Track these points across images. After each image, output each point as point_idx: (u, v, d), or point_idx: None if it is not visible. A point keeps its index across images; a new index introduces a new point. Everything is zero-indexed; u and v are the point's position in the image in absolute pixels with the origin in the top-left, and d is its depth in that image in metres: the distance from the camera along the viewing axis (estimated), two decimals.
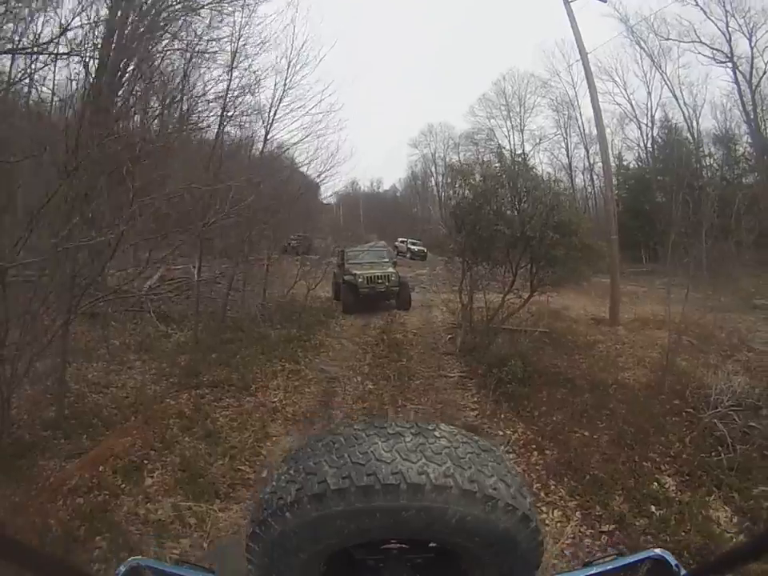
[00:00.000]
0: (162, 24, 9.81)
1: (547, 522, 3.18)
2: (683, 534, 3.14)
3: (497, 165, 9.42)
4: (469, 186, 7.04)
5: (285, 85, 10.88)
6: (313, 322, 9.11)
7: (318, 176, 12.20)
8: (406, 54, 58.64)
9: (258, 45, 10.54)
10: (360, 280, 11.46)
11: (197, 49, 10.56)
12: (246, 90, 10.63)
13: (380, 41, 58.97)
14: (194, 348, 7.04)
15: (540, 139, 26.67)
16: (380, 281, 11.59)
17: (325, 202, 21.47)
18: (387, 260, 13.08)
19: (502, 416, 4.89)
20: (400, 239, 23.93)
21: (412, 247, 22.65)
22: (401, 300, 11.88)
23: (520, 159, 11.02)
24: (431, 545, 1.01)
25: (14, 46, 8.64)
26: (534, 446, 4.21)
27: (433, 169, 33.77)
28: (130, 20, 9.41)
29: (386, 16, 59.52)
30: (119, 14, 9.21)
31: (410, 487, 0.81)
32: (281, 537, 0.87)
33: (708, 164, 22.14)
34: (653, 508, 3.38)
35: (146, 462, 3.94)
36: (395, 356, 7.18)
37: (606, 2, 11.21)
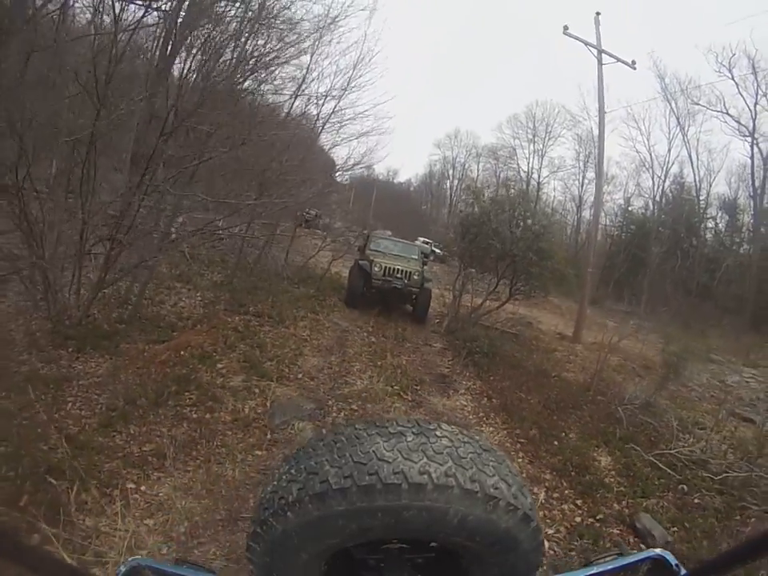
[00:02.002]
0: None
1: (485, 431, 5.14)
2: (573, 458, 5.07)
3: (508, 190, 11.34)
4: (478, 204, 9.13)
5: (348, 83, 12.18)
6: (328, 287, 10.98)
7: (346, 167, 13.67)
8: (446, 54, 60.05)
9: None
10: (376, 268, 10.13)
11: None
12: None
13: (423, 37, 60.34)
14: (230, 287, 8.89)
15: (557, 168, 28.64)
16: (399, 275, 10.16)
17: (339, 180, 21.93)
18: (416, 257, 11.50)
19: (467, 374, 6.96)
20: (422, 239, 23.94)
21: (435, 250, 22.85)
22: (418, 306, 10.38)
23: (521, 193, 12.91)
24: (432, 544, 1.06)
25: None
26: (485, 396, 6.23)
27: (451, 172, 35.55)
28: None
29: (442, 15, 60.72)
30: None
31: (411, 487, 0.85)
32: (282, 536, 0.91)
33: (710, 227, 24.35)
34: (555, 442, 5.35)
35: (215, 354, 5.76)
36: (393, 324, 9.20)
37: (635, 69, 12.94)
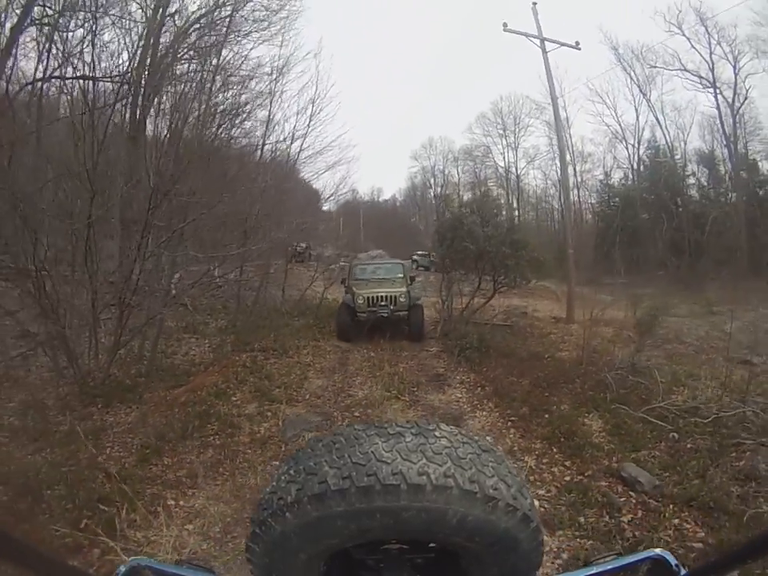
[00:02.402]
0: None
1: (478, 417, 5.70)
2: (562, 426, 5.59)
3: (476, 192, 12.00)
4: (450, 210, 9.80)
5: (309, 120, 13.27)
6: (326, 314, 11.61)
7: (326, 198, 14.48)
8: (410, 66, 61.62)
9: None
10: (359, 300, 9.95)
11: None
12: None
13: (384, 52, 61.99)
14: (234, 330, 9.54)
15: (532, 158, 29.39)
16: (383, 303, 9.87)
17: (324, 209, 22.33)
18: (402, 276, 11.16)
19: (460, 369, 7.55)
20: (419, 252, 23.29)
21: (434, 260, 22.82)
22: (412, 326, 9.95)
23: (487, 193, 13.59)
24: (432, 545, 1.07)
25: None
26: (478, 386, 6.80)
27: (432, 180, 36.40)
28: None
29: (394, 27, 62.51)
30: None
31: (410, 487, 0.86)
32: (281, 537, 0.92)
33: (692, 183, 24.90)
34: (546, 415, 5.88)
35: (228, 389, 6.40)
36: (390, 337, 9.72)
37: (580, 50, 13.69)
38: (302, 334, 9.35)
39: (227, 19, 12.81)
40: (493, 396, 6.38)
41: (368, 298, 9.97)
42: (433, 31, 60.76)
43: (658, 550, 1.04)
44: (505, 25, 12.77)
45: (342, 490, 0.87)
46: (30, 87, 11.45)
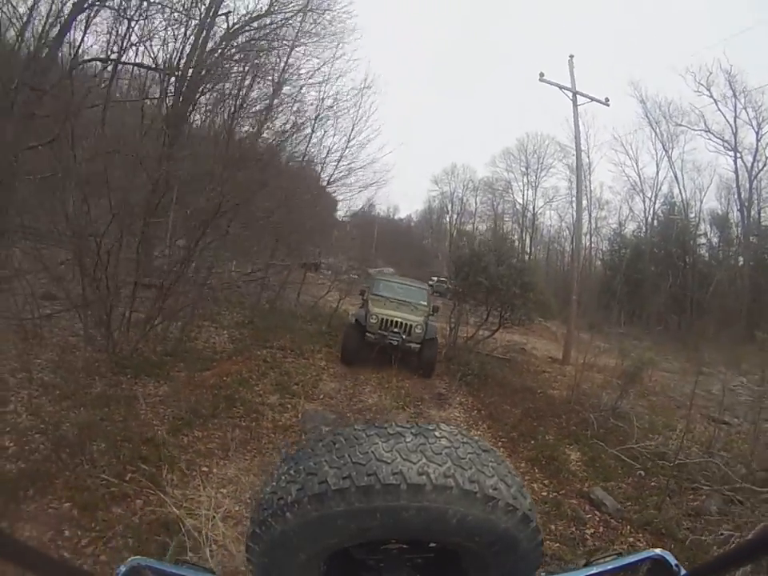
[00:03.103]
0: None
1: (478, 434, 6.51)
2: (545, 452, 6.38)
3: (494, 232, 12.88)
4: (468, 246, 10.71)
5: (347, 143, 14.23)
6: (338, 324, 12.38)
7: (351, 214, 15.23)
8: (437, 89, 63.12)
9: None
10: (372, 319, 9.28)
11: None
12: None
13: (412, 70, 63.55)
14: (252, 325, 10.34)
15: (550, 198, 30.40)
16: (395, 330, 9.20)
17: (339, 218, 22.85)
18: (425, 303, 10.41)
19: (460, 392, 8.39)
20: (436, 278, 22.93)
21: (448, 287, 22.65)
22: (421, 363, 9.27)
23: (505, 236, 14.49)
24: (432, 545, 1.09)
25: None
26: (475, 408, 7.64)
27: (449, 206, 37.41)
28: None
29: (429, 45, 64.17)
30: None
31: (410, 487, 0.88)
32: (281, 537, 0.94)
33: (703, 243, 25.74)
34: (532, 441, 6.69)
35: (251, 380, 7.20)
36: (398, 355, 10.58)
37: (609, 106, 14.71)
38: (316, 339, 10.11)
39: (274, 27, 13.72)
40: (487, 419, 7.21)
41: (382, 319, 9.32)
42: (466, 58, 62.34)
43: (657, 550, 1.06)
44: (541, 75, 13.73)
45: (342, 489, 0.89)
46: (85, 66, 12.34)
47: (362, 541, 0.96)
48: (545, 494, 5.46)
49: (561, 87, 13.73)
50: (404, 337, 9.24)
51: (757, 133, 23.57)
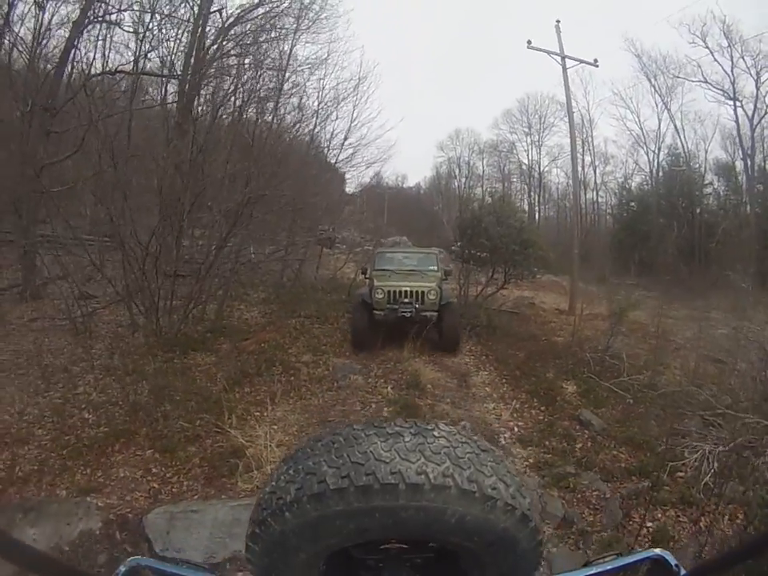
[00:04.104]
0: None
1: (481, 375, 7.57)
2: (544, 385, 7.42)
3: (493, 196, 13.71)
4: (469, 211, 11.58)
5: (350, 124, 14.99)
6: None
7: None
8: (438, 56, 62.56)
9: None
10: (378, 295, 8.72)
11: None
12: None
13: (414, 42, 62.99)
14: (278, 300, 11.45)
15: (555, 156, 30.76)
16: (406, 300, 8.63)
17: (348, 192, 22.94)
18: (434, 268, 9.90)
19: (470, 342, 9.35)
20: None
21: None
22: (443, 333, 8.72)
23: (501, 198, 15.23)
24: (431, 544, 1.09)
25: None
26: (483, 354, 8.68)
27: (457, 171, 37.87)
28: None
29: (419, 17, 63.48)
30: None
31: (408, 487, 0.89)
32: (280, 537, 0.95)
33: (709, 193, 26.11)
34: (533, 378, 7.72)
35: (285, 344, 8.32)
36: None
37: (598, 66, 15.26)
38: (338, 307, 11.10)
39: (270, 16, 14.36)
40: (494, 362, 8.23)
41: (388, 292, 8.71)
42: (457, 22, 61.54)
43: (657, 550, 1.09)
44: (529, 42, 14.22)
45: (341, 489, 0.90)
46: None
47: (361, 540, 0.98)
48: (541, 417, 6.53)
49: (549, 53, 14.26)
50: (417, 306, 8.63)
51: (756, 81, 23.41)
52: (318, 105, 14.21)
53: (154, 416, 5.78)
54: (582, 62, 14.63)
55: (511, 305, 12.55)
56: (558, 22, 14.66)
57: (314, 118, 14.14)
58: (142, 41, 13.22)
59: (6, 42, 11.80)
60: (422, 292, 8.75)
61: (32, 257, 10.38)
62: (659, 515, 4.75)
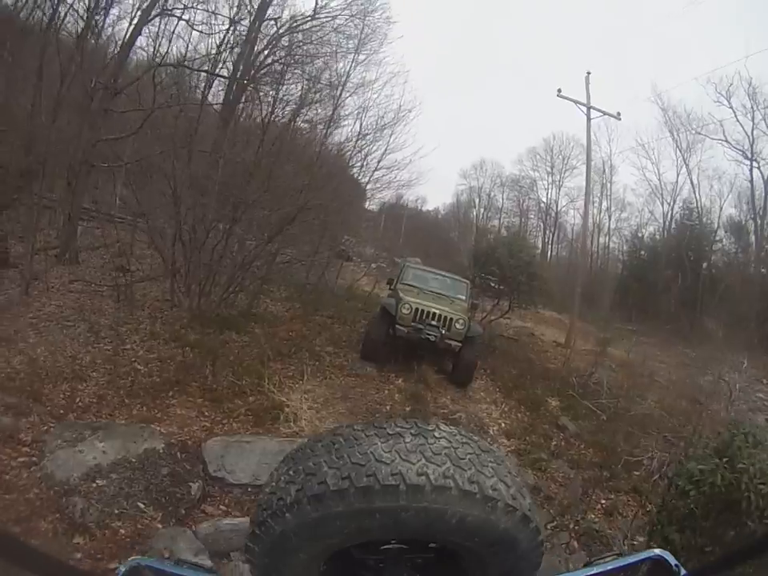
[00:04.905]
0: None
1: (478, 384, 8.95)
2: (531, 397, 8.79)
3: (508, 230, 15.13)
4: (485, 240, 13.08)
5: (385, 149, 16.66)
6: (374, 302, 14.73)
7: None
8: (470, 84, 64.90)
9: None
10: (404, 310, 8.55)
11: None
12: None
13: (451, 65, 65.36)
14: (300, 299, 12.86)
15: (573, 198, 32.31)
16: (434, 321, 8.48)
17: (368, 208, 24.61)
18: (464, 298, 10.01)
19: None
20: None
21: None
22: (459, 366, 8.66)
23: (516, 233, 16.70)
24: (431, 545, 1.13)
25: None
26: (481, 369, 9.94)
27: (477, 201, 39.50)
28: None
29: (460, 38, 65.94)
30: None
31: (409, 488, 0.92)
32: (281, 537, 0.98)
33: (717, 249, 27.41)
34: (523, 391, 9.08)
35: (310, 336, 9.74)
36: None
37: (620, 120, 16.88)
38: (355, 313, 12.52)
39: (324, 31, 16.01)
40: (491, 375, 9.59)
41: (416, 309, 8.59)
42: (499, 54, 63.95)
43: (657, 551, 1.13)
44: (559, 91, 15.79)
45: (342, 490, 0.93)
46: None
47: (361, 541, 1.02)
48: (525, 420, 7.93)
49: (576, 102, 15.82)
50: (443, 332, 8.46)
51: None
52: (360, 126, 15.79)
53: (203, 373, 7.15)
54: (605, 113, 16.18)
55: (513, 332, 13.94)
56: (588, 73, 16.18)
57: (355, 139, 15.72)
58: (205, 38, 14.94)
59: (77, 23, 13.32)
60: (452, 319, 8.61)
61: (74, 224, 11.58)
62: (612, 497, 6.11)
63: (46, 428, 5.34)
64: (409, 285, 9.91)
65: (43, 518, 4.19)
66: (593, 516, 5.70)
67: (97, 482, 4.58)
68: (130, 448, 5.06)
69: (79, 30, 13.21)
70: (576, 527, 5.40)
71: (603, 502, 6.00)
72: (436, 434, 1.03)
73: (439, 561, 1.17)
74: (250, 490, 4.95)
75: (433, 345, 8.59)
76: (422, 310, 8.63)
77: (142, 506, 4.44)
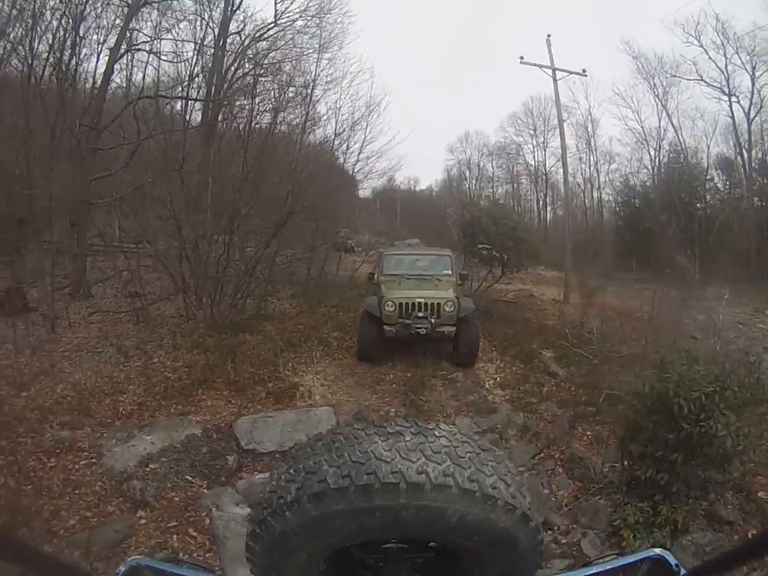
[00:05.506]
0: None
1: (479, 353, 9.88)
2: (525, 351, 9.68)
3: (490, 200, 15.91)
4: (470, 213, 13.90)
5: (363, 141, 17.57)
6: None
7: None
8: (447, 60, 64.94)
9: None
10: (388, 307, 8.37)
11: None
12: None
13: (423, 47, 65.54)
14: (304, 294, 13.81)
15: (560, 158, 32.70)
16: (421, 313, 8.27)
17: (362, 196, 25.07)
18: (449, 273, 9.66)
19: None
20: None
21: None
22: (460, 348, 8.62)
23: (496, 202, 17.45)
24: (431, 544, 1.16)
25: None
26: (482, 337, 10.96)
27: (467, 173, 39.99)
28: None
29: (428, 23, 66.07)
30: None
31: (409, 486, 0.94)
32: (281, 536, 1.00)
33: (709, 188, 27.83)
34: (518, 348, 9.96)
35: (317, 326, 10.67)
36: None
37: (586, 76, 17.48)
38: (358, 300, 13.30)
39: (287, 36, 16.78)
40: (487, 337, 10.44)
41: (400, 304, 8.38)
42: (460, 24, 63.94)
43: (657, 550, 1.16)
44: (521, 58, 16.21)
45: (342, 488, 0.95)
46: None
47: (361, 540, 1.05)
48: (520, 372, 8.82)
49: (540, 67, 16.25)
50: (433, 321, 8.29)
51: (752, 76, 24.94)
52: (336, 123, 16.67)
53: (225, 370, 8.14)
54: (571, 72, 16.80)
55: (512, 296, 14.77)
56: (548, 36, 16.55)
57: (333, 135, 16.62)
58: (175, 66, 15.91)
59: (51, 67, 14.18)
60: (439, 304, 8.38)
61: (83, 261, 12.52)
62: (598, 428, 6.98)
63: (98, 435, 6.39)
64: (390, 275, 9.63)
65: (109, 502, 5.24)
66: (577, 446, 6.61)
67: (150, 466, 5.65)
68: (173, 436, 6.18)
69: (52, 75, 14.26)
70: (561, 456, 6.32)
71: (589, 433, 6.88)
72: (436, 433, 1.05)
73: (439, 560, 1.20)
74: (277, 456, 5.99)
75: (425, 336, 8.43)
76: (407, 303, 8.40)
77: (189, 478, 5.47)
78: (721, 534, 4.64)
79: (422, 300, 8.39)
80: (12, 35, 13.79)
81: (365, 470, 0.96)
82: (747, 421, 4.68)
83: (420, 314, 8.29)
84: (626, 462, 5.37)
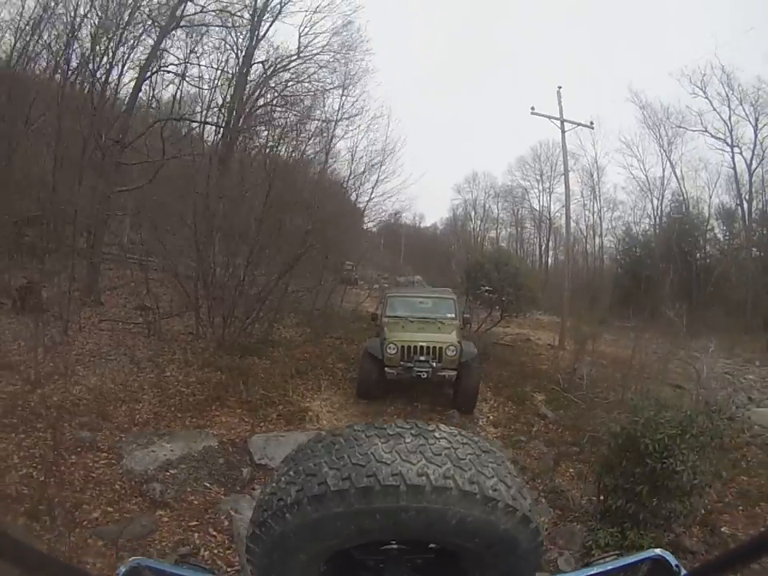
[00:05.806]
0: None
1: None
2: (518, 393, 10.39)
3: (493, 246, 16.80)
4: (474, 257, 14.79)
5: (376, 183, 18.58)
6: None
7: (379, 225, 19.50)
8: (462, 100, 67.13)
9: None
10: (390, 349, 8.57)
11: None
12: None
13: (440, 87, 67.70)
14: (310, 324, 14.53)
15: (564, 204, 33.70)
16: (423, 357, 8.46)
17: (366, 228, 25.33)
18: (452, 316, 9.92)
19: None
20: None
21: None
22: (461, 392, 8.79)
23: (499, 248, 18.33)
24: (431, 545, 1.16)
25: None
26: None
27: (473, 213, 41.04)
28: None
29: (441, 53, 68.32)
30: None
31: (409, 488, 0.94)
32: (281, 538, 1.01)
33: (709, 238, 28.28)
34: (512, 389, 10.65)
35: (323, 355, 11.39)
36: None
37: (593, 129, 18.52)
38: (361, 333, 14.02)
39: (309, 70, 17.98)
40: (484, 378, 11.06)
41: (402, 347, 8.55)
42: (479, 64, 66.37)
43: (658, 550, 1.15)
44: (532, 108, 17.33)
45: (342, 490, 0.95)
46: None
47: (361, 542, 1.05)
48: (512, 412, 9.50)
49: (550, 118, 17.29)
50: (434, 365, 8.48)
51: (755, 127, 25.99)
52: (352, 161, 17.72)
53: (237, 390, 8.80)
54: (579, 124, 17.84)
55: (509, 340, 15.48)
56: (559, 87, 17.51)
57: (349, 174, 17.67)
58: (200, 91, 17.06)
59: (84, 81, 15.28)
60: (440, 348, 8.53)
61: (97, 268, 13.25)
62: (580, 466, 7.64)
63: (117, 438, 6.98)
64: (393, 317, 9.87)
65: (128, 501, 5.82)
66: (560, 480, 7.27)
67: (170, 471, 6.29)
68: (192, 446, 6.81)
69: (84, 83, 15.33)
70: (544, 488, 7.00)
71: (571, 470, 7.54)
72: (436, 435, 1.05)
73: (439, 561, 1.21)
74: None
75: (426, 380, 8.65)
76: (409, 347, 8.56)
77: (207, 484, 6.14)
78: (684, 561, 5.27)
79: (425, 344, 8.60)
80: (47, 39, 14.98)
81: (365, 472, 0.97)
82: (706, 461, 5.39)
83: (422, 358, 8.52)
84: (601, 496, 6.04)
